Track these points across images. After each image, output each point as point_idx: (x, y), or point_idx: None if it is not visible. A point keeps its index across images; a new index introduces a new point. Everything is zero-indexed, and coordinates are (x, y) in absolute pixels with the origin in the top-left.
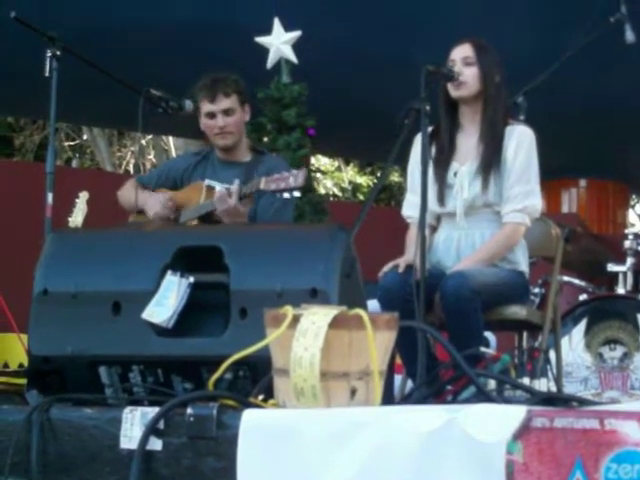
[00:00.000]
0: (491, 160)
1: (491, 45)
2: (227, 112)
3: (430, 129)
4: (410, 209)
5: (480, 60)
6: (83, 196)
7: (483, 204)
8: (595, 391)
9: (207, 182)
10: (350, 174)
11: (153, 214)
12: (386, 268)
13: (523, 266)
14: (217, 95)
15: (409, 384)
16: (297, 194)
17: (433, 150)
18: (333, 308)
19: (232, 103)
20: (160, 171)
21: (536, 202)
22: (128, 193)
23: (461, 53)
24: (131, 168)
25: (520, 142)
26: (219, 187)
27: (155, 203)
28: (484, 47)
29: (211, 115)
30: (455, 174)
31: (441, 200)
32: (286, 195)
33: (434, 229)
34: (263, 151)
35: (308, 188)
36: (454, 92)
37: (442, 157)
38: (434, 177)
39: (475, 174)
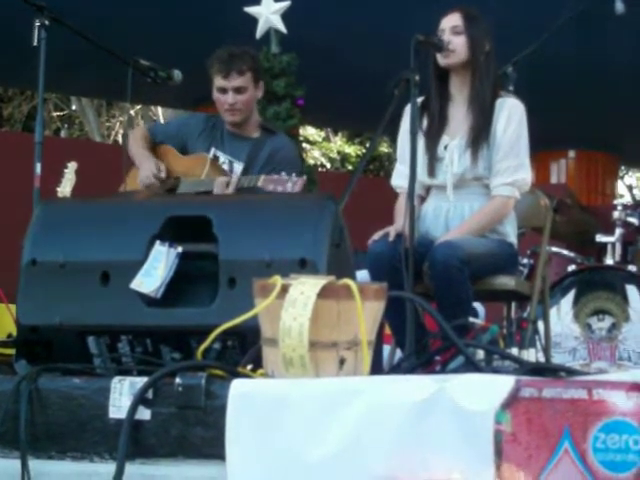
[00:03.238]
0: (480, 133)
1: (481, 14)
2: (239, 90)
3: (421, 99)
4: (399, 179)
5: (469, 29)
6: (72, 166)
7: (473, 177)
8: (583, 362)
9: (213, 151)
10: (339, 144)
11: (141, 178)
12: (376, 236)
13: (512, 237)
14: (231, 72)
15: (398, 354)
16: None
17: (424, 121)
18: (322, 278)
19: (245, 81)
20: (175, 127)
21: (526, 176)
22: (134, 142)
23: (450, 22)
24: (120, 138)
25: (511, 115)
26: (223, 158)
27: (148, 168)
28: (473, 16)
29: (222, 90)
30: (445, 147)
31: (431, 172)
32: None
33: (423, 199)
34: (273, 130)
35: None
36: (442, 60)
37: (432, 129)
38: (424, 149)
39: (465, 147)
